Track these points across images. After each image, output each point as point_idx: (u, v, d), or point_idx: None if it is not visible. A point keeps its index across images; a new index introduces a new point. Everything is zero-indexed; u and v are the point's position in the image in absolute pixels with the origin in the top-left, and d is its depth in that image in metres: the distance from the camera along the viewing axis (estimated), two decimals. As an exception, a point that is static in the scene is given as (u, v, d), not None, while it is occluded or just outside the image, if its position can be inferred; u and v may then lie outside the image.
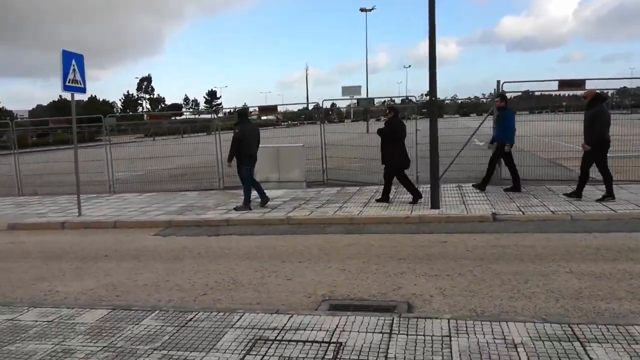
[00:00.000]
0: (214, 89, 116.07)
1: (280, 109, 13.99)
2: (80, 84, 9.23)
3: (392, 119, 8.56)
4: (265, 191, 9.19)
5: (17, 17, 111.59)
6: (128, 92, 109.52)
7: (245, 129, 8.89)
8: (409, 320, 3.75)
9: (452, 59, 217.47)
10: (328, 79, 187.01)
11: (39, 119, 30.44)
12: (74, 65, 9.00)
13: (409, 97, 12.26)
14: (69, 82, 8.89)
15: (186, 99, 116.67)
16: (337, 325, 3.73)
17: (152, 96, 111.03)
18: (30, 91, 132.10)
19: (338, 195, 9.87)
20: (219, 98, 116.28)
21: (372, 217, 7.63)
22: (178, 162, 15.35)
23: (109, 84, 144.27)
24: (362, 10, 49.22)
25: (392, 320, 3.77)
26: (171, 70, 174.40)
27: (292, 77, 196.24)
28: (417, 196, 8.49)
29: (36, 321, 4.22)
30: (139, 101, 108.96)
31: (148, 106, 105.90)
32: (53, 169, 14.98)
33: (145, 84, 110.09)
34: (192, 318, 4.07)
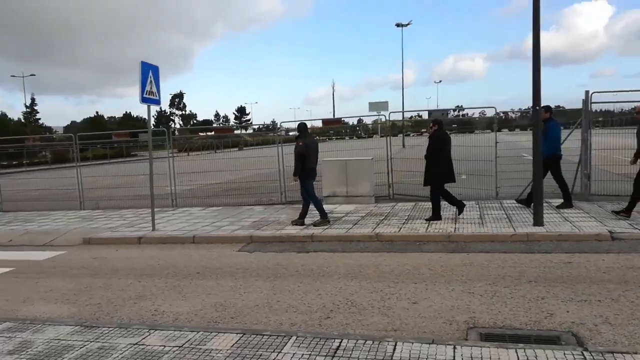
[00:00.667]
0: (243, 105, 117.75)
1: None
2: (156, 96, 9.11)
3: (437, 131, 8.31)
4: (335, 206, 8.79)
5: (50, 36, 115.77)
6: (161, 108, 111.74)
7: (308, 142, 8.60)
8: (604, 355, 3.26)
9: (479, 75, 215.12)
10: (353, 95, 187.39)
11: (99, 132, 30.82)
12: (150, 77, 8.88)
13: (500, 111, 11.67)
14: (146, 94, 8.77)
15: (217, 114, 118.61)
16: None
17: (184, 112, 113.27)
18: (64, 108, 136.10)
19: (416, 211, 9.41)
20: (247, 114, 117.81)
21: (472, 234, 7.14)
22: (228, 176, 15.22)
23: (137, 102, 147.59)
24: (398, 25, 48.90)
25: (582, 355, 3.29)
26: (200, 87, 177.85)
27: (317, 93, 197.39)
28: (437, 217, 8.29)
29: (164, 346, 3.90)
30: (171, 117, 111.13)
31: (180, 122, 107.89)
32: (111, 183, 15.04)
33: (177, 100, 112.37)
34: (338, 347, 3.67)
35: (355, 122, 25.78)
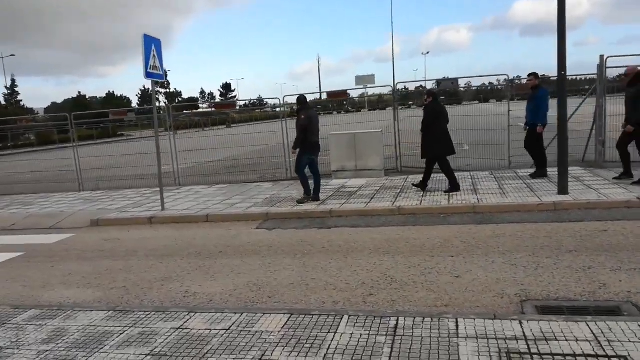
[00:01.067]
0: (228, 82, 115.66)
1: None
2: (159, 70, 8.70)
3: (431, 103, 8.20)
4: (345, 181, 8.60)
5: (26, 16, 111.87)
6: (144, 86, 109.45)
7: (311, 115, 8.38)
8: (682, 325, 3.14)
9: (464, 45, 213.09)
10: (338, 69, 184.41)
11: (95, 111, 29.88)
12: (153, 51, 8.46)
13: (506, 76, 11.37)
14: (150, 69, 8.37)
15: (202, 92, 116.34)
16: (593, 333, 3.14)
17: (168, 90, 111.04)
18: (44, 90, 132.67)
19: (431, 183, 9.24)
20: (233, 91, 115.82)
21: (497, 205, 7.01)
22: (225, 153, 14.92)
23: (121, 80, 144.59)
24: (386, -5, 47.98)
25: (659, 326, 3.17)
26: (183, 64, 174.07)
27: (301, 68, 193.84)
28: (455, 188, 8.13)
29: (210, 330, 3.70)
30: (156, 95, 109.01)
31: (165, 100, 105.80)
32: (107, 164, 14.62)
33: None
34: (396, 325, 3.51)
35: (358, 95, 25.46)
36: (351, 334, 3.45)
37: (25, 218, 9.39)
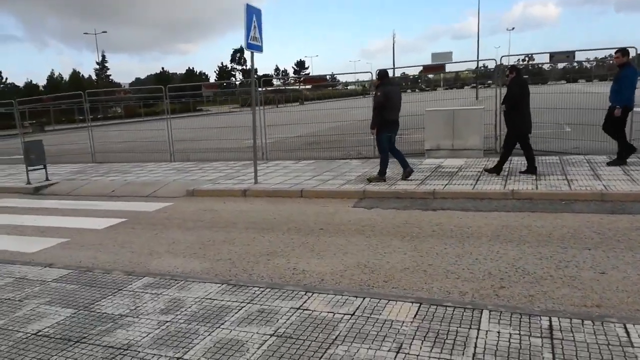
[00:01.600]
0: (302, 60, 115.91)
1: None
2: (259, 42, 8.50)
3: (515, 78, 7.66)
4: (441, 160, 8.04)
5: None
6: (222, 63, 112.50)
7: (388, 91, 7.84)
8: None
9: (552, 21, 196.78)
10: (413, 47, 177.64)
11: (187, 84, 31.07)
12: (254, 21, 8.26)
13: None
14: (250, 40, 8.19)
15: (277, 69, 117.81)
16: None
17: (244, 67, 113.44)
18: (128, 66, 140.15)
19: (541, 166, 8.43)
20: (307, 68, 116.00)
21: (630, 193, 6.18)
22: (305, 129, 14.74)
23: (200, 57, 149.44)
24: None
25: None
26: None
27: (373, 45, 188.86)
28: (533, 170, 7.74)
29: (333, 313, 3.42)
30: (232, 72, 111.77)
31: (241, 77, 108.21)
32: (194, 136, 14.94)
33: (238, 55, 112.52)
34: (550, 326, 3.03)
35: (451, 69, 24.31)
36: (498, 332, 3.02)
37: (124, 185, 9.71)
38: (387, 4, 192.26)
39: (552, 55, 9.80)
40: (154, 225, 6.77)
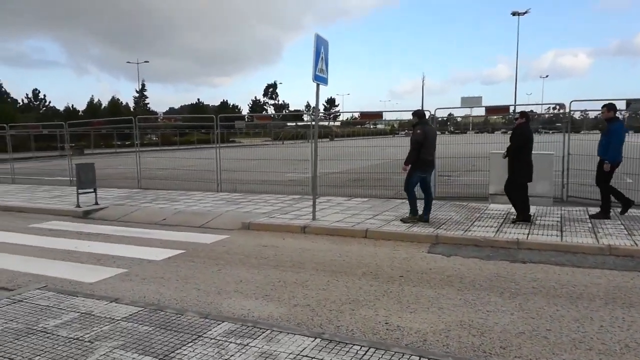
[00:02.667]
0: (333, 97, 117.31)
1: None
2: (325, 74, 8.23)
3: (523, 124, 7.69)
4: (507, 206, 7.53)
5: (149, 28, 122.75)
6: (255, 97, 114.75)
7: (427, 130, 7.88)
8: None
9: (582, 71, 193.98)
10: (441, 89, 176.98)
11: (237, 115, 31.40)
12: (322, 53, 8.01)
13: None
14: (318, 72, 7.91)
15: (307, 105, 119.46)
16: None
17: (276, 102, 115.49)
18: (162, 95, 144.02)
19: (625, 219, 7.74)
20: (337, 105, 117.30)
21: None
22: (343, 165, 14.32)
23: (231, 91, 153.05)
24: (513, 14, 45.43)
25: None
26: (290, 78, 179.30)
27: (402, 86, 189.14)
28: (526, 219, 7.73)
29: (463, 388, 2.84)
30: (264, 106, 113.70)
31: (273, 111, 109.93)
32: (235, 167, 14.67)
33: (271, 90, 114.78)
34: None
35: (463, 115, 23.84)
36: None
37: (175, 214, 9.38)
38: (415, 46, 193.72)
39: (629, 103, 9.21)
40: (215, 259, 6.33)
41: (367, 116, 10.99)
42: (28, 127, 21.25)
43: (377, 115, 11.41)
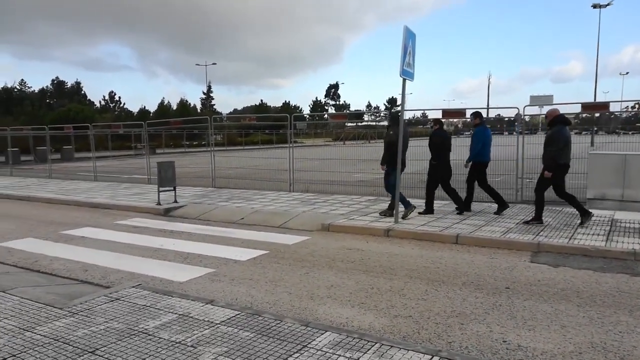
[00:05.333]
0: (394, 97, 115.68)
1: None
2: (411, 69, 7.83)
3: (438, 130, 8.81)
4: (611, 212, 6.81)
5: (211, 31, 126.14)
6: (316, 97, 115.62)
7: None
8: None
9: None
10: (507, 88, 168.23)
11: (313, 113, 31.88)
12: (410, 47, 7.61)
13: None
14: (405, 66, 7.53)
15: (369, 105, 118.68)
16: None
17: (337, 102, 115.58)
18: (225, 97, 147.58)
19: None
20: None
21: None
22: (410, 166, 13.66)
23: (290, 92, 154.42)
24: (594, 6, 42.39)
25: None
26: (351, 78, 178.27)
27: (465, 85, 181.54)
28: (465, 208, 8.80)
29: None
30: (325, 107, 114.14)
31: (334, 111, 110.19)
32: (306, 166, 14.49)
33: (332, 90, 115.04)
34: None
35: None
36: None
37: (252, 214, 9.32)
38: (480, 44, 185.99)
39: None
40: (300, 261, 6.12)
41: (450, 114, 10.37)
42: (110, 126, 22.29)
43: (460, 113, 10.76)
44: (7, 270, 5.81)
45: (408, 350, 3.33)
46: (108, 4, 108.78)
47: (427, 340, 3.77)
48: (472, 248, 6.63)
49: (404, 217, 8.19)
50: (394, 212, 8.13)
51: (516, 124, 10.29)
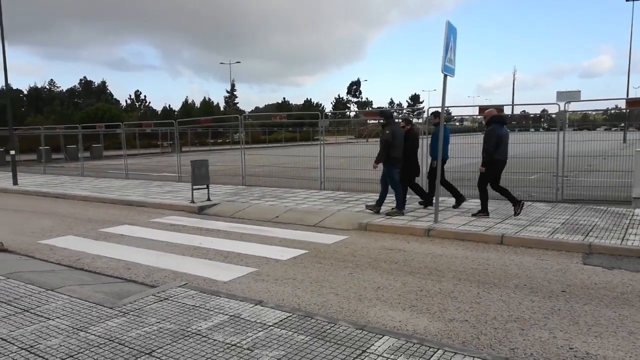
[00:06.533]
0: (417, 94, 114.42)
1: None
2: (453, 65, 7.63)
3: (409, 131, 8.83)
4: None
5: (234, 29, 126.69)
6: (339, 95, 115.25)
7: (394, 130, 8.37)
8: None
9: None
10: (534, 84, 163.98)
11: (340, 111, 31.99)
12: (451, 42, 7.42)
13: None
14: (447, 62, 7.34)
15: (391, 102, 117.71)
16: None
17: (359, 99, 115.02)
18: (247, 95, 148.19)
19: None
20: (421, 102, 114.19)
21: None
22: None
23: (315, 89, 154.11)
24: (627, -1, 41.06)
25: None
26: (374, 74, 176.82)
27: (490, 81, 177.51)
28: (427, 203, 9.18)
29: None
30: (348, 104, 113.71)
31: (356, 108, 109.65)
32: (336, 164, 14.35)
33: (354, 87, 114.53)
34: None
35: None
36: None
37: (286, 212, 9.25)
38: (505, 39, 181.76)
39: None
40: (342, 261, 6.01)
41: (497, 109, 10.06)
42: (140, 125, 22.60)
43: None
44: (52, 268, 5.85)
45: (474, 357, 3.19)
46: (133, 4, 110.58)
47: (489, 347, 3.62)
48: (518, 249, 6.42)
49: (388, 214, 8.34)
50: (394, 209, 8.39)
51: (556, 120, 9.97)
